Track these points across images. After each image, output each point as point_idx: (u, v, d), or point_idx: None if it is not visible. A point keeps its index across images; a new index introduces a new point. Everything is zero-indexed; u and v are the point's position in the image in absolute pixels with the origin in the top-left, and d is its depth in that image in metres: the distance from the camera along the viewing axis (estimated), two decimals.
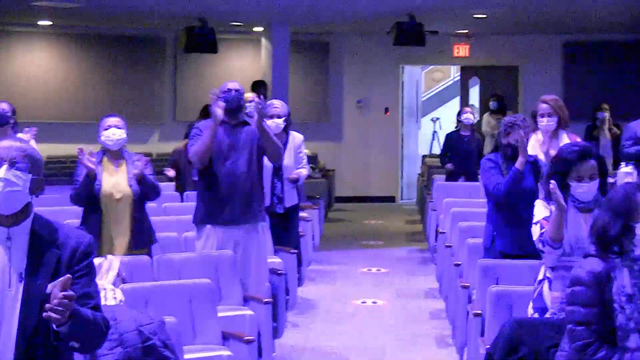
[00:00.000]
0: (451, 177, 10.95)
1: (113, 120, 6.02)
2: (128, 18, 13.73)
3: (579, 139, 6.52)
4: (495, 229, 5.83)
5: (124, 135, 6.02)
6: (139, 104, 15.24)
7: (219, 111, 6.13)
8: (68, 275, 2.85)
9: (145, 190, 5.95)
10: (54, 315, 2.77)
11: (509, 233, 5.74)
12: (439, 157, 11.43)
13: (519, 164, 5.72)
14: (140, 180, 5.92)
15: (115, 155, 6.04)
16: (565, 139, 6.48)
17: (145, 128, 15.33)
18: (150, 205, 6.36)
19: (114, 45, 15.14)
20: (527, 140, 5.83)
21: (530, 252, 5.18)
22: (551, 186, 4.32)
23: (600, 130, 12.69)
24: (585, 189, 4.38)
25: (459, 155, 10.86)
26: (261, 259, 6.23)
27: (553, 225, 4.33)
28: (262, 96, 6.87)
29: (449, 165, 10.97)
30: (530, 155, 5.93)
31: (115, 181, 5.93)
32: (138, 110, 15.13)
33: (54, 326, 2.84)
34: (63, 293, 2.77)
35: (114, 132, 5.98)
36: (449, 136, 11.22)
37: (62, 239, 3.04)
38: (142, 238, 5.97)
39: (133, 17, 13.63)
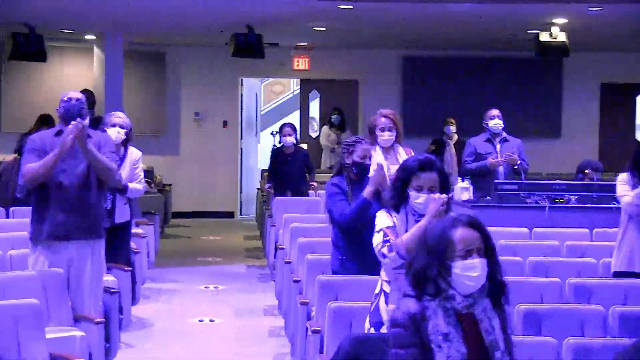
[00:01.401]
0: (278, 193, 10.93)
1: None
2: None
3: (412, 152, 6.70)
4: (344, 253, 5.85)
5: None
6: None
7: (69, 141, 5.79)
8: None
9: None
10: None
11: (357, 257, 5.80)
12: (268, 174, 11.45)
13: (366, 192, 5.68)
14: None
15: None
16: (402, 153, 6.66)
17: None
18: None
19: None
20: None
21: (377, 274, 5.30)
22: (440, 199, 4.40)
23: (446, 146, 13.07)
24: (422, 200, 4.50)
25: (282, 173, 10.87)
26: (96, 278, 6.04)
27: (416, 238, 4.34)
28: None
29: (267, 186, 10.89)
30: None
31: None
32: None
33: None
34: None
35: None
36: (272, 154, 11.20)
37: None
38: None
39: None
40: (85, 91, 12.51)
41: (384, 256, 4.46)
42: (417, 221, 4.51)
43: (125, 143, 7.68)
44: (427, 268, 3.38)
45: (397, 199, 4.56)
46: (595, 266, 6.44)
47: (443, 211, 4.41)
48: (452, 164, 12.87)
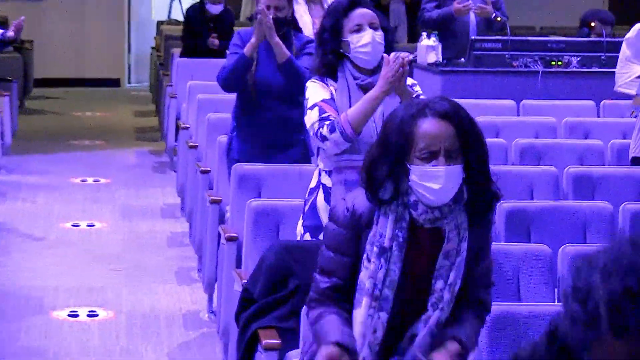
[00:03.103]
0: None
1: None
2: None
3: None
4: (235, 128, 6.00)
5: None
6: None
7: None
8: None
9: None
10: None
11: (251, 137, 5.89)
12: (181, 39, 11.34)
13: (247, 47, 5.83)
14: None
15: None
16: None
17: None
18: None
19: None
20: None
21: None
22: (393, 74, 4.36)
23: None
24: (368, 39, 4.47)
25: (203, 40, 10.75)
26: None
27: (364, 110, 4.37)
28: None
29: (214, 42, 10.76)
30: (302, 37, 6.01)
31: None
32: None
33: None
34: None
35: None
36: (190, 13, 11.00)
37: None
38: None
39: None
40: None
41: (324, 138, 4.44)
42: (360, 86, 4.49)
43: None
44: (381, 166, 3.34)
45: (331, 58, 4.53)
46: (603, 150, 6.52)
47: (403, 74, 4.38)
48: (400, 14, 12.83)
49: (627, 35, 6.35)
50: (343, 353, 3.30)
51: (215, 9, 10.51)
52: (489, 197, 3.40)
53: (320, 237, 4.41)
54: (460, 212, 3.37)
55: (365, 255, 3.33)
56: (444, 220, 3.34)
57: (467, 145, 3.33)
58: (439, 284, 3.36)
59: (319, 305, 3.42)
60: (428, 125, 3.31)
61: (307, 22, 6.65)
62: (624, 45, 6.73)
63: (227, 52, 6.11)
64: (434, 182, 3.28)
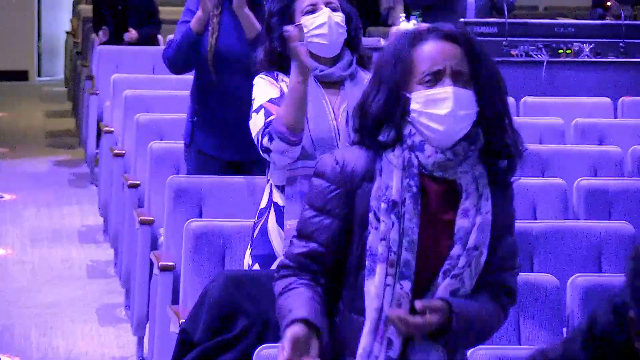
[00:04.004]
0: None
1: None
2: None
3: None
4: (195, 113, 5.98)
5: None
6: None
7: None
8: None
9: None
10: None
11: (215, 124, 5.90)
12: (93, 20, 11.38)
13: (193, 21, 5.82)
14: None
15: None
16: None
17: None
18: None
19: None
20: None
21: (254, 157, 5.33)
22: (288, 33, 4.38)
23: None
24: (322, 21, 4.52)
25: (115, 14, 10.77)
26: None
27: (291, 103, 4.39)
28: None
29: (102, 34, 10.82)
30: None
31: None
32: None
33: None
34: None
35: None
36: None
37: None
38: None
39: None
40: None
41: (267, 150, 4.45)
42: (318, 78, 4.55)
43: None
44: (376, 100, 3.37)
45: (278, 46, 4.57)
46: (621, 159, 6.55)
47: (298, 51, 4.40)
48: None
49: None
50: (310, 333, 3.27)
51: None
52: (508, 145, 3.43)
53: (275, 265, 4.42)
54: (477, 164, 3.40)
55: (371, 214, 3.34)
56: (458, 168, 3.36)
57: (479, 72, 3.37)
58: (456, 249, 3.36)
59: (288, 275, 3.41)
60: (429, 47, 3.37)
61: None
62: None
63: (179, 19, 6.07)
64: (439, 106, 3.32)
